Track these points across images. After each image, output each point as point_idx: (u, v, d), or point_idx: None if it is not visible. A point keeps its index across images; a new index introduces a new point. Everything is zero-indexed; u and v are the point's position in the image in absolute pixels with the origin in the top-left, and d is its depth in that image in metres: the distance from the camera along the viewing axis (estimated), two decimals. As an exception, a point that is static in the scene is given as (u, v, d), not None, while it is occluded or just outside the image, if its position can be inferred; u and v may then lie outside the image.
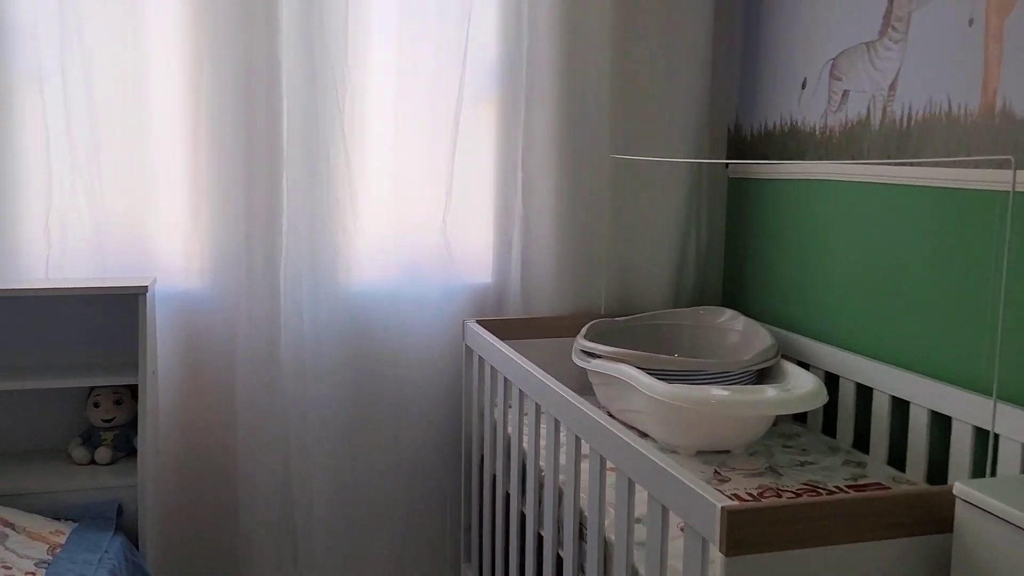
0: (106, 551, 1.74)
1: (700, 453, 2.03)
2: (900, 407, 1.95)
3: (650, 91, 2.52)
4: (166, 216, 2.26)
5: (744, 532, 1.12)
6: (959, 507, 1.15)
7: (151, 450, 1.95)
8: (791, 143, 2.41)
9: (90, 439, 2.01)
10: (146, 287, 1.92)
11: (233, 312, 2.28)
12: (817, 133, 2.30)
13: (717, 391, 1.87)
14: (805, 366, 2.21)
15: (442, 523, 2.56)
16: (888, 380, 1.96)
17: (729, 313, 2.42)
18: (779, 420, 2.25)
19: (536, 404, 1.89)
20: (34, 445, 2.05)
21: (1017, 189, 1.58)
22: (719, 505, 1.14)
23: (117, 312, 1.97)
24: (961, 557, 1.15)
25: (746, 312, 2.45)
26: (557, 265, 2.52)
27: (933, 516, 1.18)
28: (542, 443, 1.87)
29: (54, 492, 1.86)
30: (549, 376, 1.84)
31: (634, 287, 2.61)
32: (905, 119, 1.99)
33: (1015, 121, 1.69)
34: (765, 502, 1.60)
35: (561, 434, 1.79)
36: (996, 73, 1.75)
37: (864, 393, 2.07)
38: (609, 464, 1.54)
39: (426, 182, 2.44)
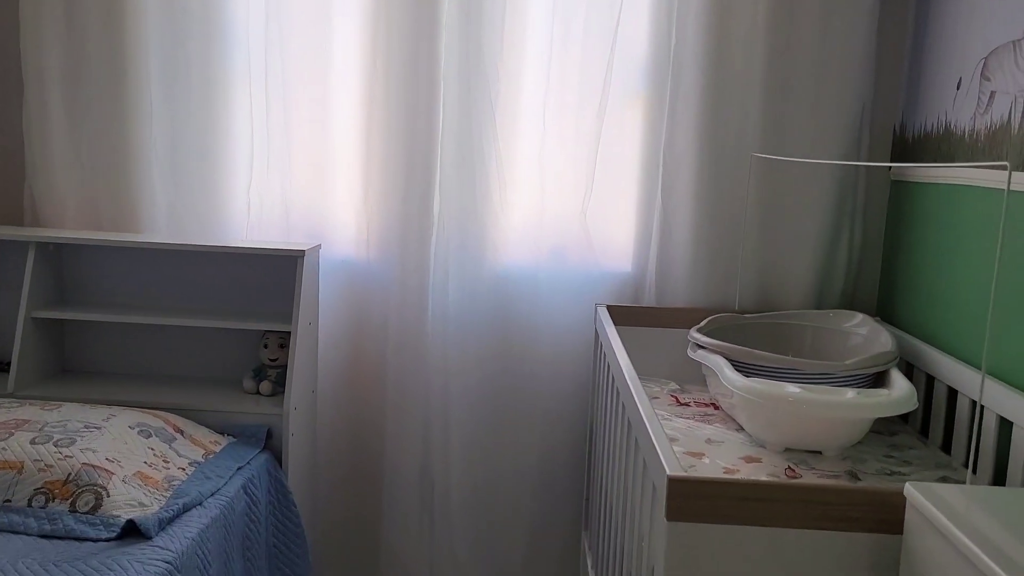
0: (249, 463, 2.14)
1: (788, 451, 2.04)
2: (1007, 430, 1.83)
3: (804, 90, 2.49)
4: (341, 195, 2.64)
5: (685, 501, 1.21)
6: (908, 510, 1.16)
7: (300, 388, 2.32)
8: (944, 146, 2.29)
9: (259, 374, 2.44)
10: (304, 251, 2.30)
11: (390, 281, 2.61)
12: (966, 136, 2.18)
13: (792, 388, 1.89)
14: (931, 379, 2.13)
15: (573, 491, 2.73)
16: (1000, 399, 1.84)
17: (860, 317, 2.36)
18: (897, 431, 2.18)
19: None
20: (217, 375, 2.53)
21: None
22: (667, 473, 1.24)
23: (288, 271, 2.37)
24: (908, 561, 1.15)
25: (898, 323, 2.37)
26: (693, 259, 2.59)
27: (884, 515, 1.19)
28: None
29: (222, 412, 2.30)
30: (624, 356, 1.97)
31: (773, 287, 2.60)
32: (1040, 123, 1.86)
33: None
34: (713, 476, 1.60)
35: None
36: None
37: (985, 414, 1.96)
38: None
39: (570, 173, 2.61)
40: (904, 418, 2.35)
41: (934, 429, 2.17)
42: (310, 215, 2.63)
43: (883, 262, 2.63)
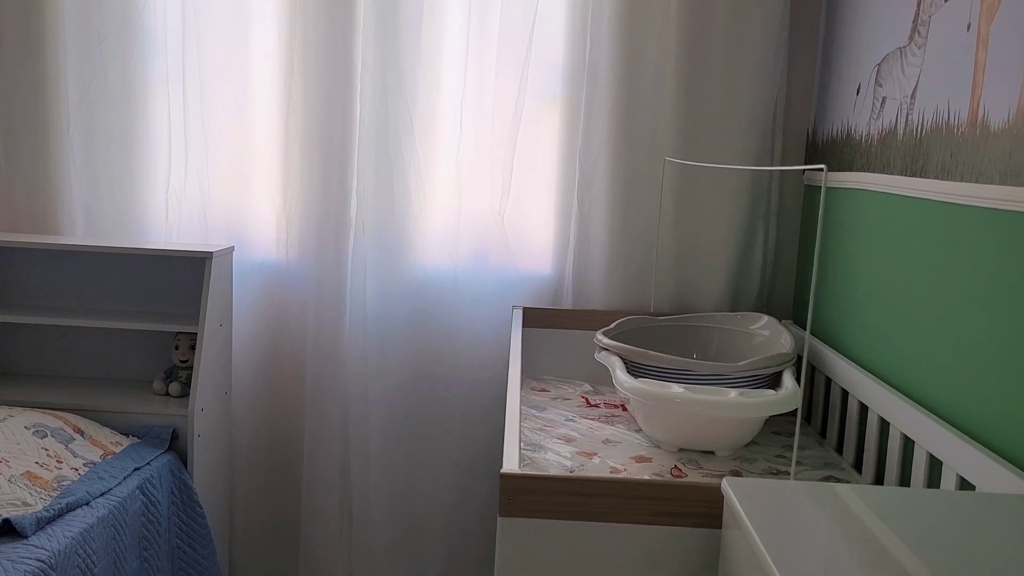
0: (149, 463, 2.14)
1: (682, 451, 2.07)
2: (906, 442, 1.81)
3: (715, 94, 2.52)
4: (260, 197, 2.65)
5: (516, 497, 1.23)
6: (725, 505, 1.18)
7: (208, 389, 2.33)
8: (847, 151, 2.32)
9: (170, 376, 2.45)
10: (211, 253, 2.31)
11: (308, 283, 2.62)
12: (863, 141, 2.21)
13: (677, 389, 1.91)
14: (829, 381, 2.16)
15: (492, 493, 2.74)
16: (887, 407, 1.85)
17: (765, 319, 2.39)
18: (795, 431, 2.21)
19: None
20: (130, 376, 2.54)
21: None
22: (502, 470, 1.25)
23: (200, 273, 2.38)
24: (724, 554, 1.18)
25: (808, 325, 2.38)
26: (609, 262, 2.61)
27: (707, 510, 1.21)
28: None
29: (129, 413, 2.31)
30: (516, 357, 1.99)
31: (688, 290, 2.62)
32: (919, 128, 1.89)
33: (990, 133, 1.58)
34: (542, 472, 1.61)
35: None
36: (980, 81, 1.64)
37: (868, 415, 1.99)
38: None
39: (488, 176, 2.63)
40: (808, 420, 2.38)
41: (830, 430, 2.20)
42: (229, 217, 2.64)
43: (797, 265, 2.66)
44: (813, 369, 2.32)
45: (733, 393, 1.91)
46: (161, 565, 2.08)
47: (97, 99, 2.57)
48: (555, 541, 1.23)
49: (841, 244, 2.28)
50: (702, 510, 1.21)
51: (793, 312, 2.66)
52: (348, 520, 2.68)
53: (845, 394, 2.11)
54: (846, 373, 2.08)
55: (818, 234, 1.32)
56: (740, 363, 2.10)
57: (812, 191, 2.58)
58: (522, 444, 1.95)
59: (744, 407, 1.88)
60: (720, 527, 1.20)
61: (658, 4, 2.48)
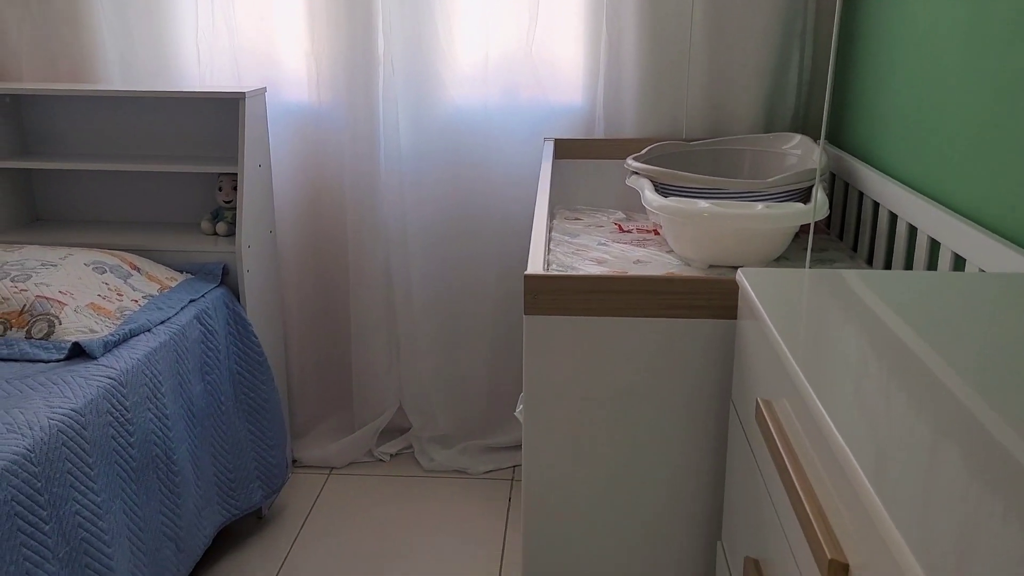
0: (204, 296, 2.27)
1: (713, 267, 2.12)
2: (932, 245, 1.83)
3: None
4: (289, 40, 2.65)
5: (538, 296, 1.30)
6: (740, 295, 1.23)
7: (252, 226, 2.43)
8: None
9: (216, 216, 2.55)
10: (244, 94, 2.34)
11: (342, 122, 2.65)
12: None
13: (704, 204, 1.94)
14: (862, 196, 2.16)
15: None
16: (915, 212, 1.86)
17: (798, 139, 2.37)
18: (828, 247, 2.24)
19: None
20: (178, 219, 2.64)
21: None
22: (525, 272, 1.32)
23: (235, 115, 2.42)
24: (739, 343, 1.24)
25: (844, 145, 2.37)
26: (640, 89, 2.59)
27: (723, 302, 1.26)
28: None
29: (181, 251, 2.42)
30: (545, 185, 2.02)
31: (721, 114, 2.60)
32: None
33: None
34: (563, 272, 1.67)
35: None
36: None
37: (897, 224, 1.99)
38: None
39: (514, 7, 2.58)
40: (841, 236, 2.40)
41: (861, 244, 2.21)
42: (260, 61, 2.66)
43: (835, 83, 2.60)
44: (846, 185, 2.31)
45: (760, 206, 1.93)
46: (223, 389, 2.24)
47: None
48: (577, 336, 1.31)
49: (874, 55, 2.22)
50: (718, 302, 1.26)
51: (828, 133, 2.62)
52: (395, 347, 2.82)
53: (876, 207, 2.11)
54: (878, 185, 2.08)
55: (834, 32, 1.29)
56: (769, 179, 2.11)
57: (850, 2, 2.48)
58: (555, 265, 2.02)
59: (771, 218, 1.90)
60: (736, 318, 1.26)
61: None
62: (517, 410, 1.42)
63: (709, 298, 1.27)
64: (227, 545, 2.39)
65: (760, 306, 1.08)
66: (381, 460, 2.87)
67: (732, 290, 1.25)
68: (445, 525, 2.55)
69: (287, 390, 2.77)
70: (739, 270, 1.22)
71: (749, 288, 1.15)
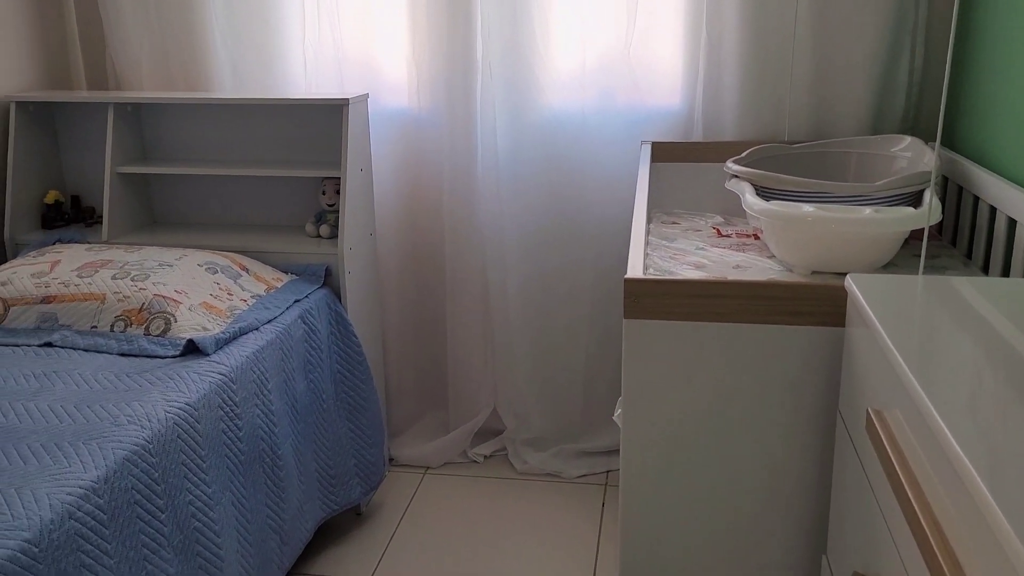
0: (307, 296, 2.34)
1: (816, 274, 2.06)
2: None
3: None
4: (390, 46, 2.71)
5: (639, 300, 1.29)
6: (848, 301, 1.19)
7: (354, 229, 2.49)
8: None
9: (320, 219, 2.62)
10: (348, 100, 2.41)
11: (441, 127, 2.70)
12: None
13: (808, 208, 1.89)
14: (977, 200, 2.07)
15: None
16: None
17: (908, 141, 2.28)
18: (940, 253, 2.15)
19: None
20: (282, 221, 2.74)
21: None
22: (625, 276, 1.31)
23: (339, 120, 2.50)
24: (848, 351, 1.20)
25: (958, 147, 2.28)
26: (741, 91, 2.54)
27: (829, 308, 1.23)
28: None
29: (285, 253, 2.51)
30: (643, 188, 2.00)
31: (826, 116, 2.53)
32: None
33: None
34: (664, 276, 1.63)
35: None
36: None
37: (1016, 229, 1.90)
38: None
39: (611, 9, 2.57)
40: (954, 242, 2.30)
41: (976, 250, 2.12)
42: (362, 68, 2.73)
43: (949, 82, 2.49)
44: (959, 189, 2.22)
45: (868, 210, 1.87)
46: (325, 387, 2.31)
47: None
48: (678, 341, 1.29)
49: (989, 52, 2.12)
50: (824, 309, 1.23)
51: (943, 134, 2.52)
52: (491, 349, 2.85)
53: (993, 212, 2.02)
54: (994, 189, 1.99)
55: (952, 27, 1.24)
56: (878, 182, 2.04)
57: (968, -2, 2.38)
58: (653, 270, 2.00)
59: (881, 223, 1.84)
60: (841, 325, 1.22)
61: None
62: (616, 414, 1.42)
63: (815, 304, 1.23)
64: (327, 540, 2.46)
65: (871, 313, 1.05)
66: (475, 461, 2.90)
67: (839, 297, 1.21)
68: (537, 529, 2.56)
69: (385, 389, 2.84)
70: (848, 276, 1.18)
71: (859, 295, 1.12)
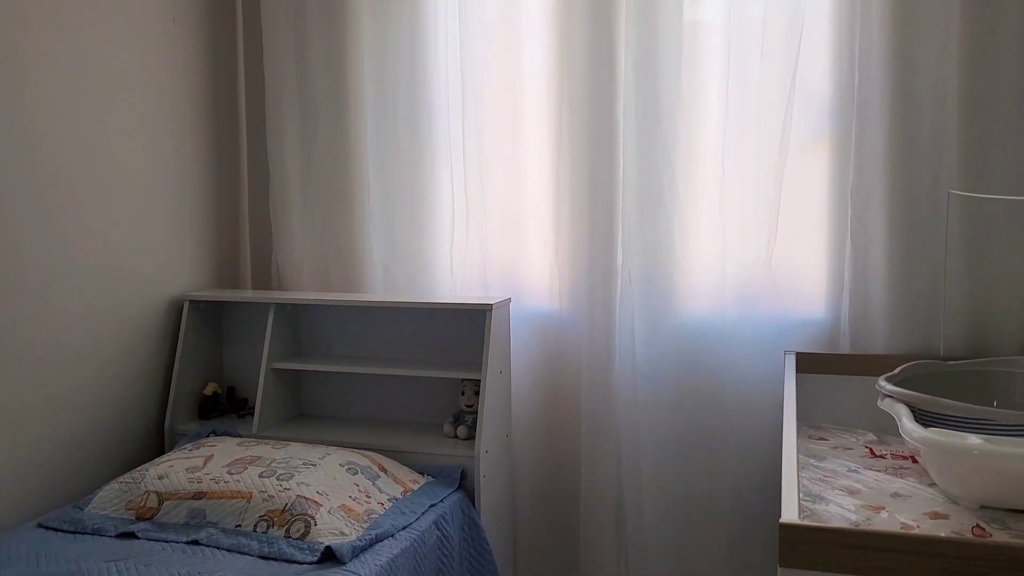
0: (442, 501, 2.34)
1: (985, 508, 1.89)
2: None
3: (1006, 118, 2.33)
4: (534, 251, 2.82)
5: (797, 548, 1.21)
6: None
7: (491, 431, 2.51)
8: None
9: (458, 420, 2.66)
10: (492, 305, 2.50)
11: (580, 329, 2.74)
12: None
13: (975, 439, 1.76)
14: None
15: (764, 536, 2.67)
16: None
17: (1080, 362, 2.14)
18: None
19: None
20: (424, 419, 2.79)
21: None
22: (780, 519, 1.24)
23: (483, 323, 2.58)
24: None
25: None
26: (890, 303, 2.48)
27: (1014, 574, 1.11)
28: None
29: (423, 453, 2.54)
30: (791, 403, 1.94)
31: (983, 332, 2.41)
32: None
33: None
34: (828, 523, 1.50)
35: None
36: None
37: None
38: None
39: (753, 218, 2.60)
40: None
41: None
42: (506, 271, 2.84)
43: (1120, 300, 2.35)
44: None
45: (1043, 444, 1.73)
46: (455, 596, 2.25)
47: (391, 168, 2.88)
48: (840, 597, 1.20)
49: None
50: (1007, 574, 1.12)
51: (1118, 352, 2.35)
52: (624, 558, 2.73)
53: None
54: None
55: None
56: (1051, 411, 1.90)
57: None
58: (801, 495, 1.89)
59: (1058, 460, 1.69)
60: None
61: (937, 21, 2.34)
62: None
63: (1003, 569, 1.12)
64: None
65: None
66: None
67: (1026, 561, 1.10)
68: None
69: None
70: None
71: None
